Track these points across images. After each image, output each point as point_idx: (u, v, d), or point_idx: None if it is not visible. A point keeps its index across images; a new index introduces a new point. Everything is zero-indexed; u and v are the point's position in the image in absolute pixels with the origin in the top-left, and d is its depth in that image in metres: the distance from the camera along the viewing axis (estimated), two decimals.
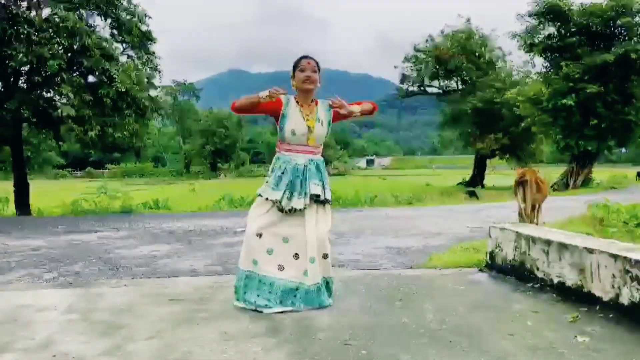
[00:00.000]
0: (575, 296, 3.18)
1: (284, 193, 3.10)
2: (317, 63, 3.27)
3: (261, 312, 3.05)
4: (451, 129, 33.37)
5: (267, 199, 3.16)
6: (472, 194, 16.50)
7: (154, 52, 14.64)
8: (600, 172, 26.88)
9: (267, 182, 3.21)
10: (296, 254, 3.14)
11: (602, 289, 2.98)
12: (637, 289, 2.73)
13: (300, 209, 3.12)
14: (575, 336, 2.61)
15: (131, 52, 14.26)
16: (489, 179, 32.06)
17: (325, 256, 3.18)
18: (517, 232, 3.86)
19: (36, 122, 13.40)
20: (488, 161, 32.46)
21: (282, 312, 3.04)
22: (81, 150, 24.72)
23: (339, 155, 64.46)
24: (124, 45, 14.04)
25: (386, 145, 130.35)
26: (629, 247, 3.07)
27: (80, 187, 37.81)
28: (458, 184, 30.95)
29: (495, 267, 4.11)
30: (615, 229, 6.30)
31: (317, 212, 3.20)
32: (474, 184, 29.64)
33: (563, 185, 21.71)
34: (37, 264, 4.89)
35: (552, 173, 25.05)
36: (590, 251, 3.07)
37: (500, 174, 34.61)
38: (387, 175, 50.64)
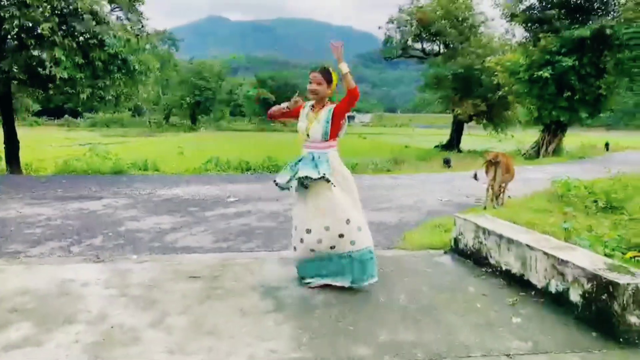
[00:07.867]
0: (517, 282, 3.99)
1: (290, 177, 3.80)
2: (323, 73, 3.82)
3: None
4: (431, 92, 33.98)
5: (275, 183, 3.90)
6: (446, 162, 17.38)
7: (142, 13, 14.80)
8: (573, 138, 27.95)
9: None
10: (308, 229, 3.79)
11: (537, 278, 3.79)
12: (561, 281, 3.53)
13: (290, 188, 3.80)
14: (511, 317, 3.42)
15: (120, 14, 14.40)
16: (465, 142, 33.03)
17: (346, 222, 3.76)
18: (476, 223, 4.63)
19: (25, 80, 13.61)
20: (465, 125, 33.33)
21: (289, 290, 3.81)
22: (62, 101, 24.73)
23: None
24: (113, 6, 14.14)
25: (369, 101, 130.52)
26: (560, 246, 3.87)
27: (59, 137, 37.73)
28: (435, 147, 31.85)
29: (457, 250, 4.91)
30: (570, 207, 7.14)
31: (327, 190, 3.72)
32: (450, 147, 30.58)
33: (535, 154, 22.75)
34: (60, 236, 5.52)
35: (526, 137, 26.10)
36: (531, 248, 3.86)
37: (477, 136, 35.52)
38: (367, 133, 51.30)
